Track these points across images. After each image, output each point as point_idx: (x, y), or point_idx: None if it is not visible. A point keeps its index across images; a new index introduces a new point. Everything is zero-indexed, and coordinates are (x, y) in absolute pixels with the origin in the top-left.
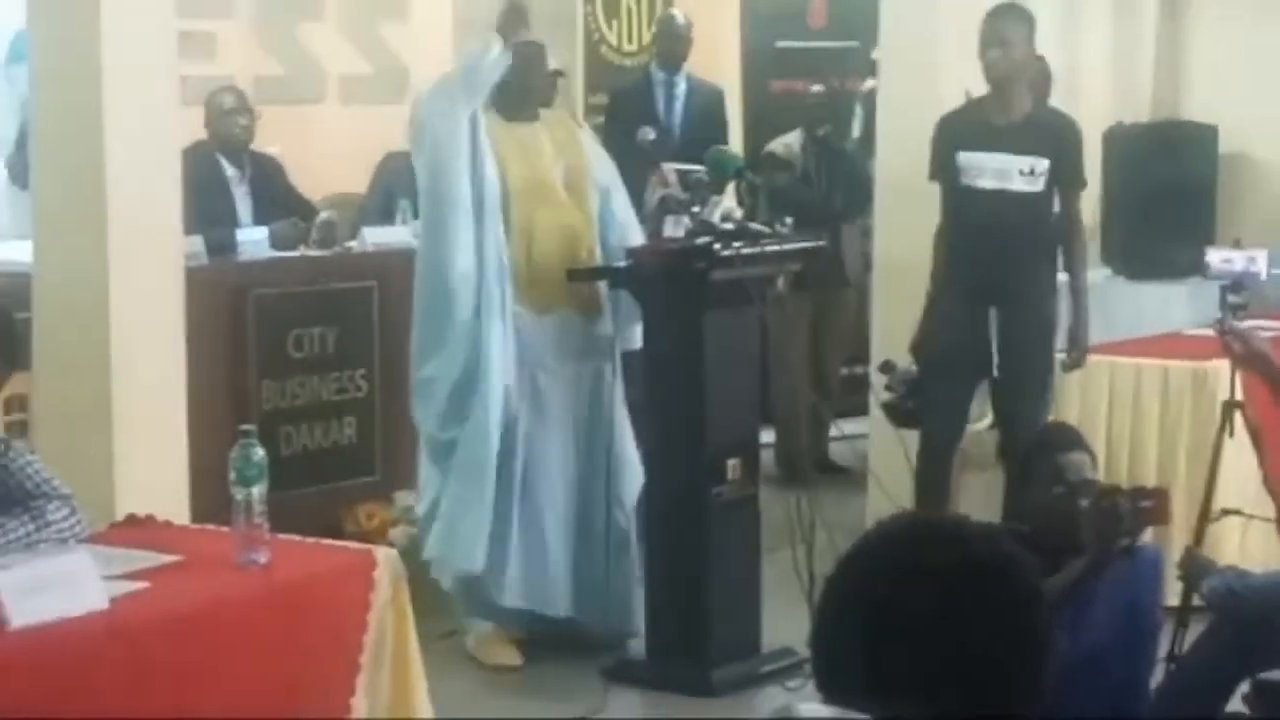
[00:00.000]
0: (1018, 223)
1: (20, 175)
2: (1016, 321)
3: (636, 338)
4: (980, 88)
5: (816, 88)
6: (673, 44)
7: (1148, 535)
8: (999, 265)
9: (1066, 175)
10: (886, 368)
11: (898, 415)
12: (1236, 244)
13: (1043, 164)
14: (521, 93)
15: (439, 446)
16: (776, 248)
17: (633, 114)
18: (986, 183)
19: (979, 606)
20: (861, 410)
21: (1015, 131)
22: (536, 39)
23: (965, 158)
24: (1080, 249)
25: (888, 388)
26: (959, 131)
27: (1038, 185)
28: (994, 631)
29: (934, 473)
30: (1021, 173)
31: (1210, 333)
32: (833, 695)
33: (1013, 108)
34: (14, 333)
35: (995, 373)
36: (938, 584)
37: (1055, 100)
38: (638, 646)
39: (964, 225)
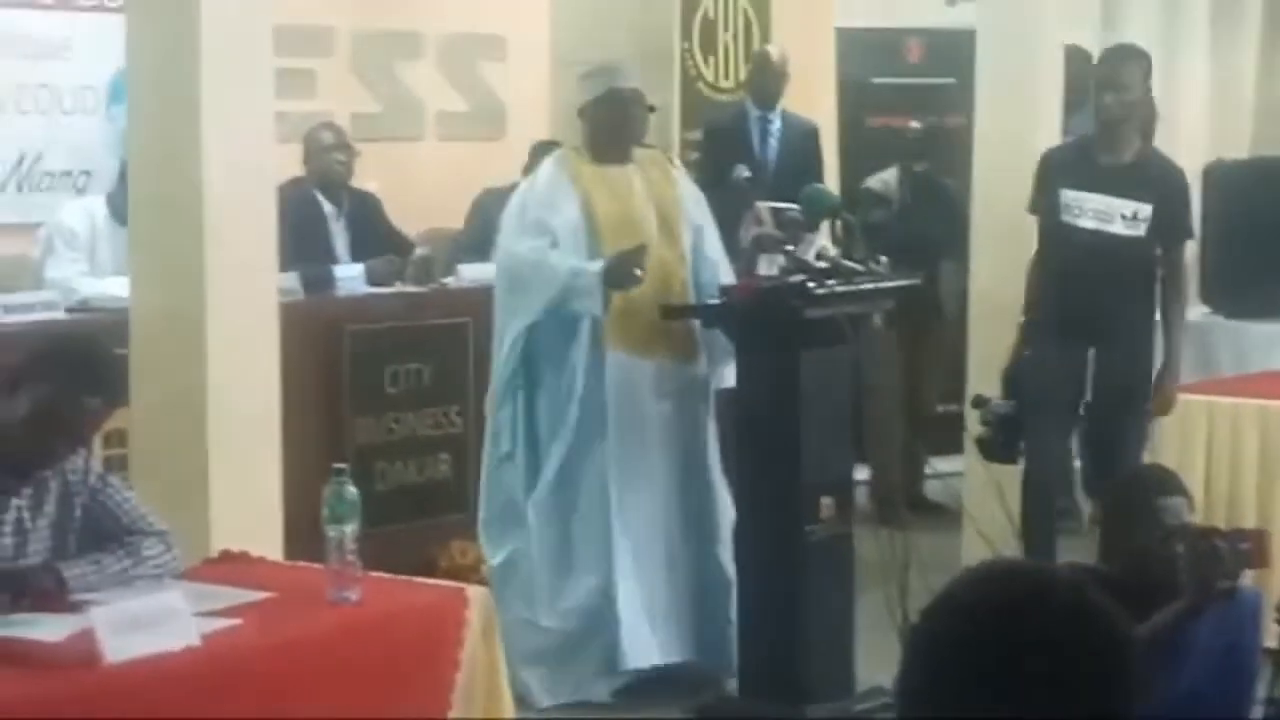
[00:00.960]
0: (1115, 266)
1: (121, 211)
2: (1111, 362)
3: (729, 376)
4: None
5: (914, 124)
6: (768, 80)
7: (1248, 577)
8: (1094, 305)
9: (1168, 224)
10: (979, 402)
11: (990, 450)
12: None
13: (1146, 209)
14: (614, 139)
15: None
16: (871, 285)
17: (727, 151)
18: (1087, 222)
19: (1066, 656)
20: (957, 448)
21: (1121, 174)
22: (632, 85)
23: (1068, 195)
24: (1176, 299)
25: (982, 422)
26: (1064, 168)
27: (1139, 230)
28: (1080, 681)
29: (1038, 511)
30: (1124, 216)
31: None
32: None
33: (1121, 149)
34: (114, 368)
35: (1084, 411)
36: (1025, 633)
37: (1155, 139)
38: (732, 685)
39: (1059, 262)
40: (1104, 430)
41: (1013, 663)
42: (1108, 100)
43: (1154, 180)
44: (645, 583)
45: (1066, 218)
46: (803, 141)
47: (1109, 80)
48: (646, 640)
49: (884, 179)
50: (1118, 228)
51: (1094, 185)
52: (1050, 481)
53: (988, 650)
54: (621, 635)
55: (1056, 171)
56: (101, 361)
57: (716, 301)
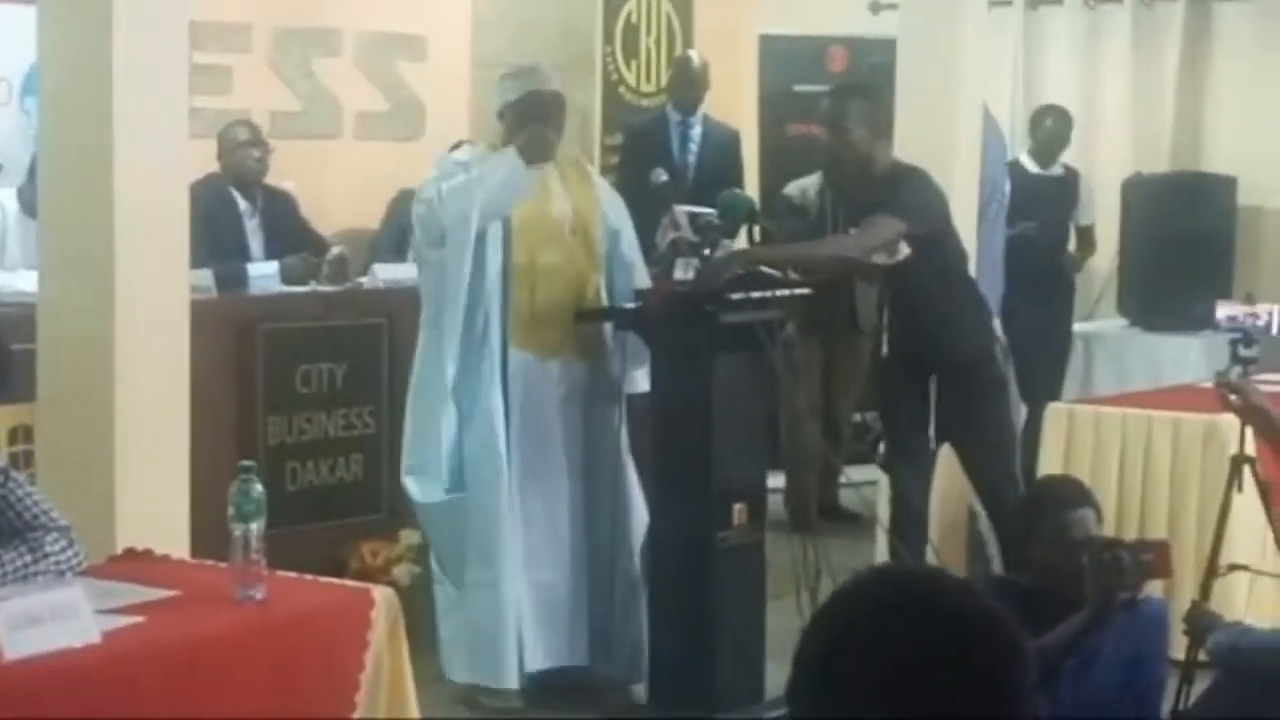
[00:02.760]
0: (913, 293)
1: (31, 205)
2: (949, 385)
3: (642, 381)
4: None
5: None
6: (688, 86)
7: (1157, 589)
8: (920, 336)
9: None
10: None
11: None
12: (1248, 298)
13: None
14: (534, 140)
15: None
16: (786, 292)
17: (647, 155)
18: (879, 259)
19: (953, 658)
20: (871, 458)
21: (870, 208)
22: (552, 87)
23: None
24: (839, 239)
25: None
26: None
27: (902, 254)
28: (968, 684)
29: (907, 521)
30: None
31: None
32: None
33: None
34: (7, 361)
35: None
36: (912, 635)
37: (1075, 150)
38: (641, 691)
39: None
40: (963, 444)
41: (899, 665)
42: (829, 142)
43: (883, 197)
44: (543, 585)
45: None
46: (723, 147)
47: (828, 120)
48: (539, 643)
49: (802, 186)
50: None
51: (856, 224)
52: (916, 507)
53: (874, 652)
54: (524, 641)
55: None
56: None
57: (630, 305)
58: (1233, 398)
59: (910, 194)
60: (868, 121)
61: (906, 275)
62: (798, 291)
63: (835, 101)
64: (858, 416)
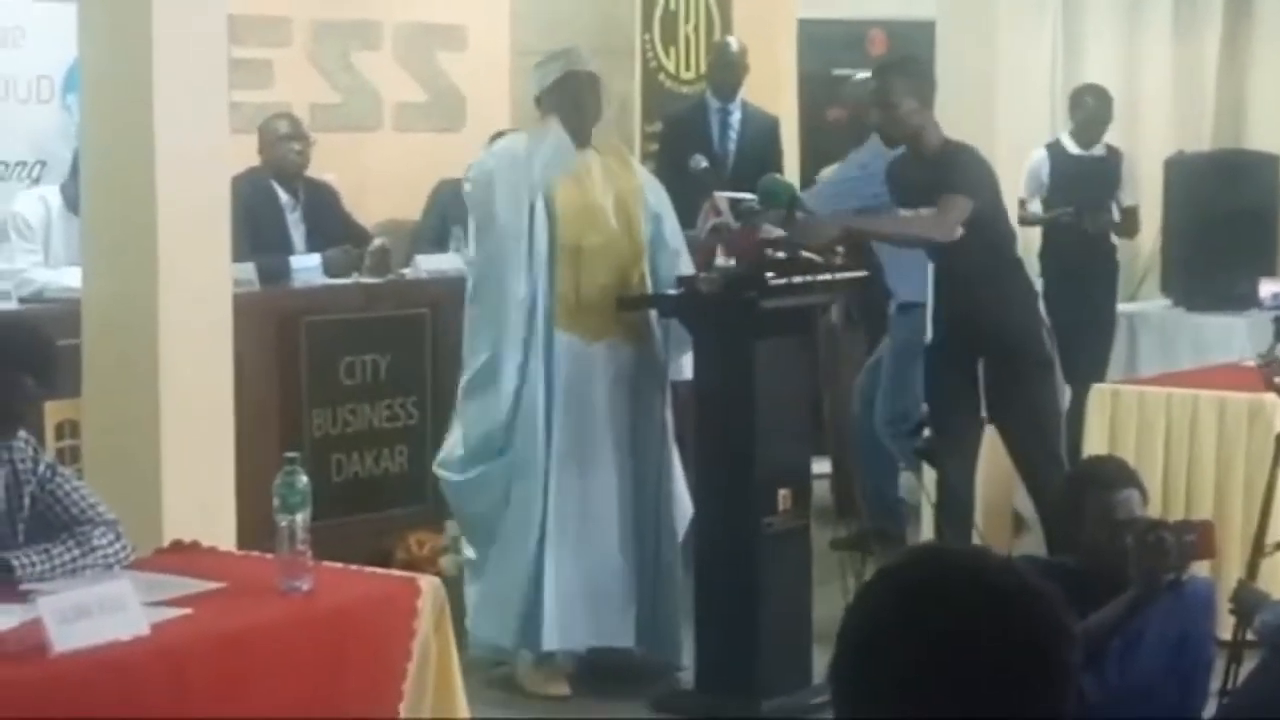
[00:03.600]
0: (963, 270)
1: (75, 201)
2: (998, 365)
3: (686, 368)
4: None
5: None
6: (727, 72)
7: (1203, 569)
8: (971, 316)
9: (943, 184)
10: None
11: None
12: None
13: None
14: (572, 122)
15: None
16: (828, 276)
17: (686, 142)
18: None
19: (997, 636)
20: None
21: (925, 182)
22: (588, 68)
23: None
24: (920, 218)
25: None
26: (896, 185)
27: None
28: (1012, 661)
29: (952, 504)
30: None
31: None
32: None
33: (920, 158)
34: (51, 356)
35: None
36: (955, 613)
37: (1116, 130)
38: (687, 678)
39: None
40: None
41: (942, 644)
42: (879, 119)
43: (939, 174)
44: (588, 567)
45: None
46: (762, 133)
47: (875, 99)
48: (583, 622)
49: (827, 177)
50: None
51: (910, 201)
52: (962, 492)
53: (917, 631)
54: (544, 616)
55: (893, 193)
56: (39, 345)
57: (674, 291)
58: (1277, 379)
59: (969, 171)
60: (915, 94)
61: (957, 255)
62: (839, 276)
63: (880, 78)
64: None
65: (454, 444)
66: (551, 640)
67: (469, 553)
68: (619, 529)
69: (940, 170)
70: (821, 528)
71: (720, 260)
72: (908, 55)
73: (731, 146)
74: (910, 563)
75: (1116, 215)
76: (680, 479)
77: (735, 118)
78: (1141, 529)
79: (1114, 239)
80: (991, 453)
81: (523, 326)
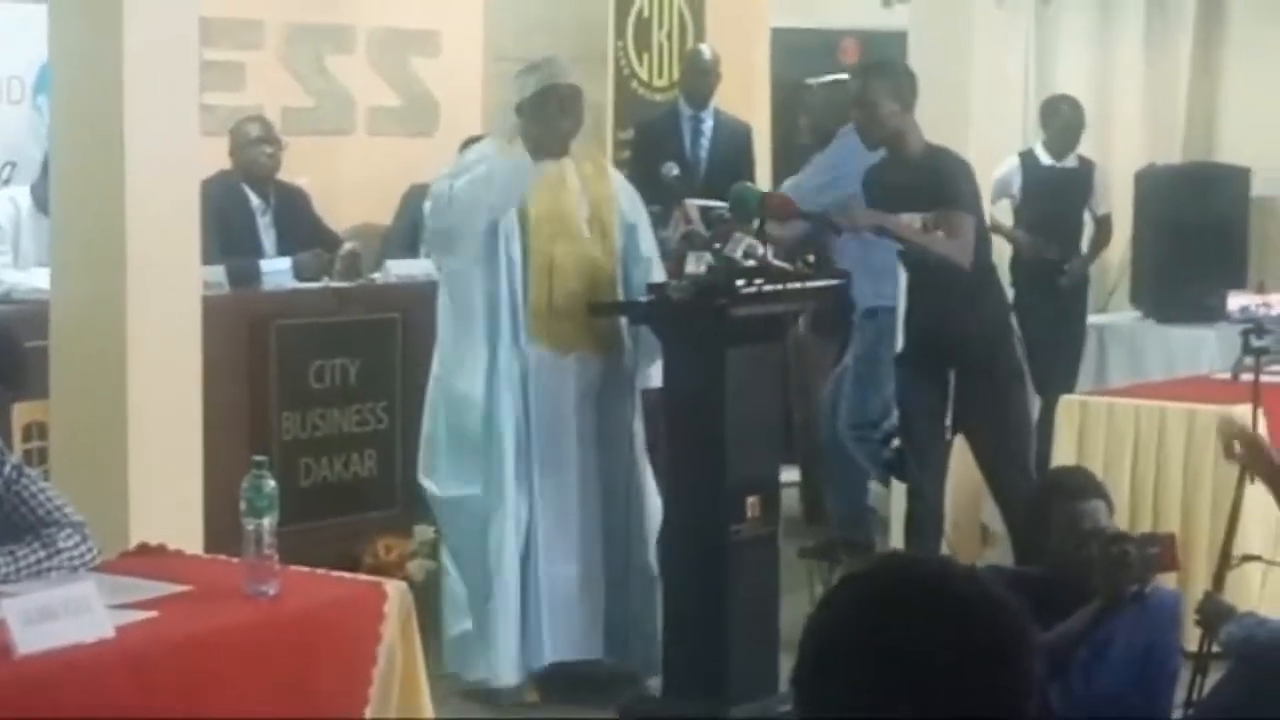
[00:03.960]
0: (937, 280)
1: (45, 202)
2: (970, 376)
3: (655, 376)
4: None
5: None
6: (700, 79)
7: (1171, 580)
8: (941, 324)
9: (938, 198)
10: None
11: (893, 469)
12: (1261, 288)
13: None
14: (551, 134)
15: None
16: (798, 285)
17: (658, 149)
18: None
19: (959, 644)
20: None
21: (904, 188)
22: (570, 81)
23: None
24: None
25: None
26: (873, 193)
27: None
28: (974, 670)
29: (923, 514)
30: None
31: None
32: None
33: (902, 164)
34: (18, 357)
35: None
36: (918, 621)
37: (1088, 141)
38: (656, 684)
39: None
40: (979, 435)
41: (903, 651)
42: (860, 120)
43: (927, 179)
44: (557, 578)
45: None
46: (734, 141)
47: (856, 99)
48: (552, 635)
49: (797, 183)
50: None
51: (890, 205)
52: (931, 502)
53: (879, 638)
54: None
55: (870, 198)
56: (4, 348)
57: (644, 299)
58: (1237, 448)
59: (962, 182)
60: (895, 96)
61: (934, 265)
62: (809, 284)
63: (861, 79)
64: None
65: (432, 453)
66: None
67: (453, 580)
68: (589, 542)
69: (925, 176)
70: (789, 536)
71: (691, 268)
72: (887, 59)
73: (704, 154)
74: (874, 570)
75: (1089, 225)
76: (653, 489)
77: (708, 125)
78: (1105, 541)
79: (1083, 250)
80: (959, 464)
81: (490, 341)
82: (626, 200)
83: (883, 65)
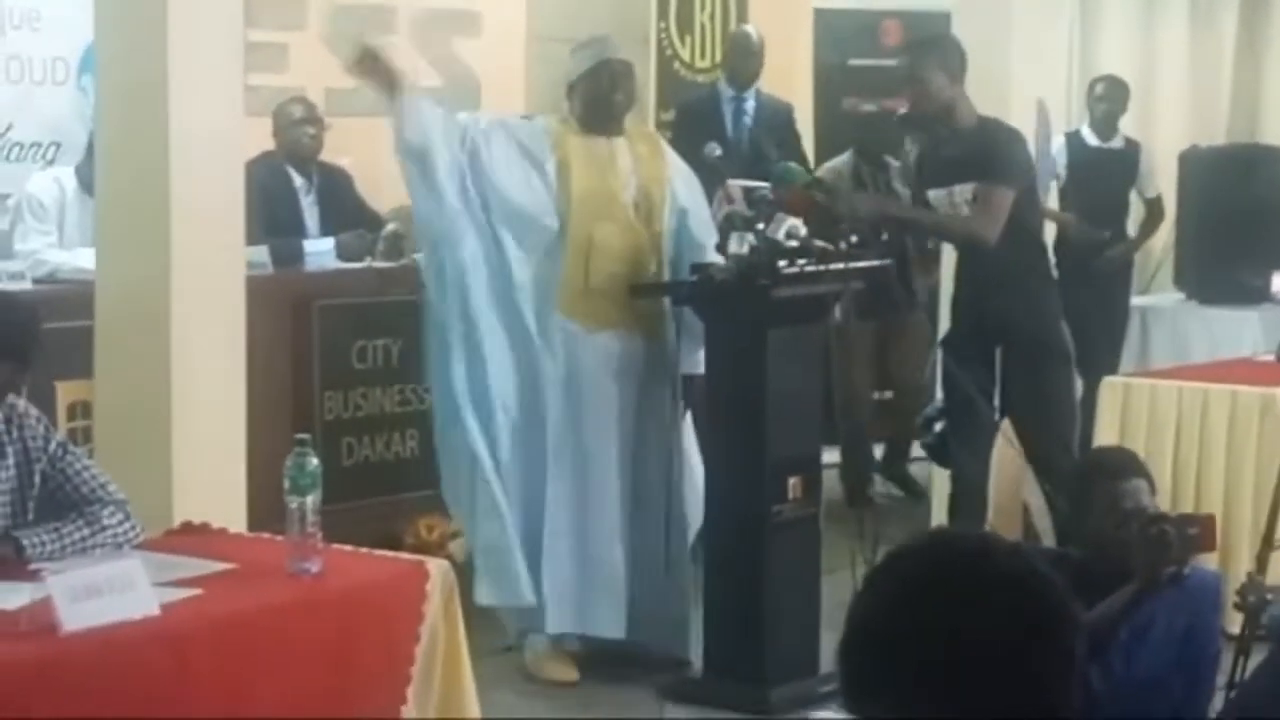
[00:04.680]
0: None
1: (90, 183)
2: (1018, 351)
3: (701, 361)
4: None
5: (868, 106)
6: (744, 60)
7: (1212, 562)
8: (989, 298)
9: (980, 170)
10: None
11: (934, 454)
12: None
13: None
14: (603, 109)
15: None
16: (841, 265)
17: (700, 130)
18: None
19: (1003, 619)
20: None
21: (955, 159)
22: (623, 57)
23: (933, 195)
24: (963, 220)
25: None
26: (925, 169)
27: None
28: (1017, 645)
29: (964, 497)
30: (967, 201)
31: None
32: (859, 707)
33: (957, 136)
34: (28, 335)
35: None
36: (960, 597)
37: (1132, 123)
38: (696, 666)
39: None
40: (1024, 414)
41: (948, 629)
42: (911, 97)
43: (976, 150)
44: (590, 559)
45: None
46: (777, 121)
47: (906, 75)
48: (583, 615)
49: (834, 168)
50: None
51: (944, 179)
52: (976, 485)
53: (924, 614)
54: (556, 601)
55: (919, 178)
56: (14, 326)
57: (687, 280)
58: None
59: (1008, 155)
60: (943, 69)
61: (957, 241)
62: (852, 264)
63: (909, 57)
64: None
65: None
66: (555, 623)
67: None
68: (618, 521)
69: (977, 146)
70: (830, 520)
71: (734, 248)
72: (935, 34)
73: (746, 135)
74: (918, 548)
75: (1135, 207)
76: (698, 471)
77: (749, 105)
78: (1144, 522)
79: (1129, 232)
80: (1003, 452)
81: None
82: (682, 183)
83: (929, 40)
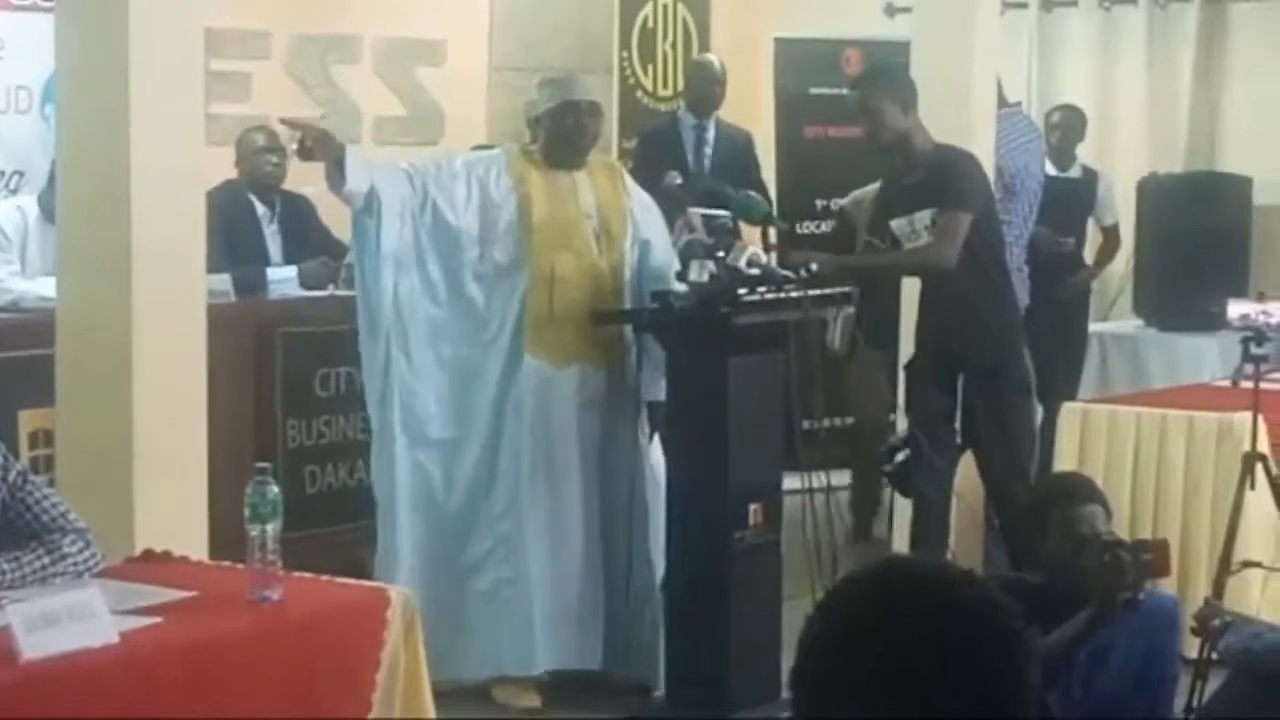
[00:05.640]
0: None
1: (52, 211)
2: (977, 378)
3: (664, 388)
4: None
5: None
6: (705, 89)
7: (1170, 586)
8: (948, 326)
9: (938, 195)
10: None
11: (898, 484)
12: (1261, 296)
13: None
14: (567, 148)
15: None
16: (801, 293)
17: (660, 158)
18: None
19: (956, 646)
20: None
21: (911, 187)
22: (589, 98)
23: (895, 225)
24: (920, 251)
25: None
26: (886, 200)
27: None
28: (971, 672)
29: (929, 525)
30: (927, 227)
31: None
32: None
33: (911, 167)
34: None
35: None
36: (916, 623)
37: (1090, 151)
38: (658, 693)
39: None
40: (981, 444)
41: (900, 652)
42: (866, 128)
43: (933, 176)
44: (557, 589)
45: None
46: (736, 149)
47: (858, 108)
48: (552, 645)
49: (856, 198)
50: (924, 240)
51: (904, 207)
52: (938, 512)
53: (877, 639)
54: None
55: (881, 208)
56: None
57: (648, 307)
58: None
59: (965, 179)
60: (895, 98)
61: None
62: (812, 292)
63: (859, 90)
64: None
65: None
66: (517, 665)
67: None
68: (586, 552)
69: (934, 173)
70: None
71: (694, 276)
72: (882, 65)
73: (706, 163)
74: (873, 572)
75: (1096, 235)
76: (662, 500)
77: (710, 134)
78: (1099, 547)
79: (1086, 259)
80: (962, 472)
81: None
82: (642, 213)
83: (878, 71)
